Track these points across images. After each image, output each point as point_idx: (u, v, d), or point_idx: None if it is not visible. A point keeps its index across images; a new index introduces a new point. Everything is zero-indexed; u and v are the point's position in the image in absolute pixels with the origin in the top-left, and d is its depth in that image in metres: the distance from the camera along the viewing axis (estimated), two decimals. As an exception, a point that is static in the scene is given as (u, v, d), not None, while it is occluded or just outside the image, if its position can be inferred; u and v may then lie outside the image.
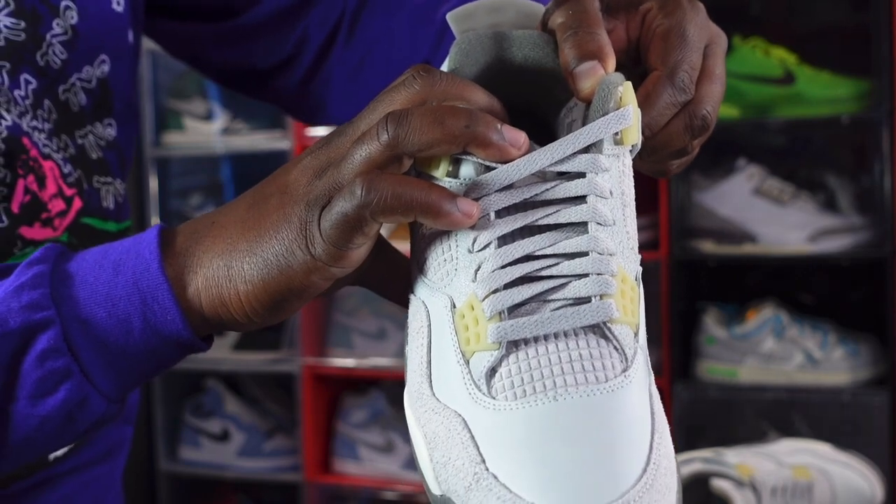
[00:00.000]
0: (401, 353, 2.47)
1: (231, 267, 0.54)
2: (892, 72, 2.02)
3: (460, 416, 0.49)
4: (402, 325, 2.45)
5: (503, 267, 0.50)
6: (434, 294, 0.52)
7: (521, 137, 0.51)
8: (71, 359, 0.55)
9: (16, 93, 0.72)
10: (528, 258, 0.50)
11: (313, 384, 2.53)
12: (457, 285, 0.51)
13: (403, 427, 2.49)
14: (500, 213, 0.51)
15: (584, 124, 0.52)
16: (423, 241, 0.54)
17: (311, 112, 0.94)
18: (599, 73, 0.53)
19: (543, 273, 0.49)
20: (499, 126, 0.51)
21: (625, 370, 0.48)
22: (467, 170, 0.51)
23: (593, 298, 0.49)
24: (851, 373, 2.12)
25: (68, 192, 0.75)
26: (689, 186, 2.21)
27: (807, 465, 1.33)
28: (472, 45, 0.57)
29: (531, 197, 0.50)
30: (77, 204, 0.75)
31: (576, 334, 0.49)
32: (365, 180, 0.50)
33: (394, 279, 0.59)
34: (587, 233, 0.50)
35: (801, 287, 2.32)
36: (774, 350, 2.15)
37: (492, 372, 0.49)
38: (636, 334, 0.51)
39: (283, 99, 0.95)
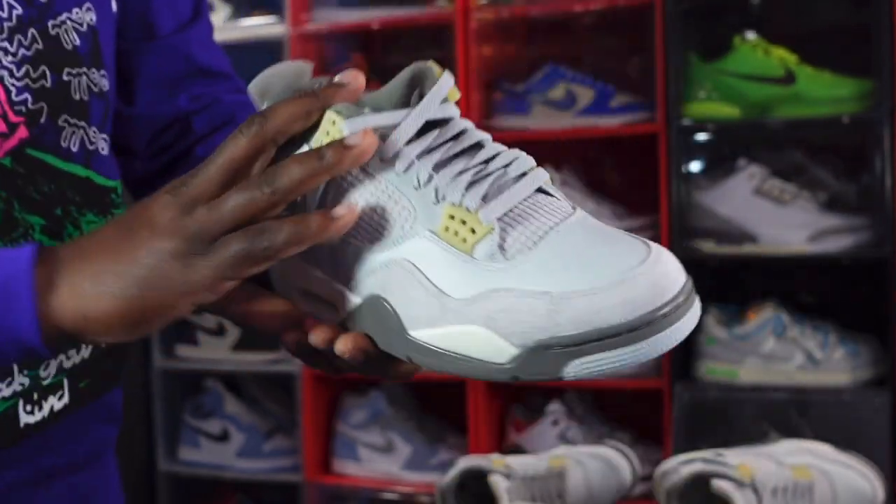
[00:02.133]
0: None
1: (99, 285, 0.61)
2: (893, 71, 2.02)
3: (501, 288, 0.59)
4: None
5: (454, 178, 0.62)
6: (404, 243, 0.63)
7: (363, 136, 0.61)
8: None
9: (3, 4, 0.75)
10: (464, 170, 0.63)
11: (313, 384, 2.53)
12: (425, 218, 0.62)
13: (403, 427, 2.50)
14: (420, 156, 0.63)
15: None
16: (361, 230, 0.65)
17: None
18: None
19: (485, 172, 0.63)
20: (344, 143, 0.61)
21: (574, 208, 0.64)
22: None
23: (528, 172, 0.63)
24: (852, 373, 2.11)
25: (13, 118, 0.76)
26: (690, 186, 2.21)
27: (807, 466, 1.33)
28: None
29: (431, 142, 0.63)
30: (22, 132, 0.76)
31: (535, 199, 0.63)
32: (258, 228, 0.60)
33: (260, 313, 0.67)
34: (488, 144, 0.64)
35: (801, 287, 2.32)
36: (775, 350, 2.15)
37: (501, 247, 0.60)
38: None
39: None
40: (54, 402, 0.80)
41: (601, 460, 1.49)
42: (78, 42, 0.80)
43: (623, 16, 2.39)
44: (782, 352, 2.15)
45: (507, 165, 0.63)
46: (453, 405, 2.44)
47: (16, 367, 0.76)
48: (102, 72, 0.83)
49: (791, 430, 2.04)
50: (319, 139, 0.63)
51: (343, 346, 0.64)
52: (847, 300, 2.28)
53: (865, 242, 2.11)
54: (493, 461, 1.42)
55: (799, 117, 2.16)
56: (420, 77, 0.65)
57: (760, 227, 2.16)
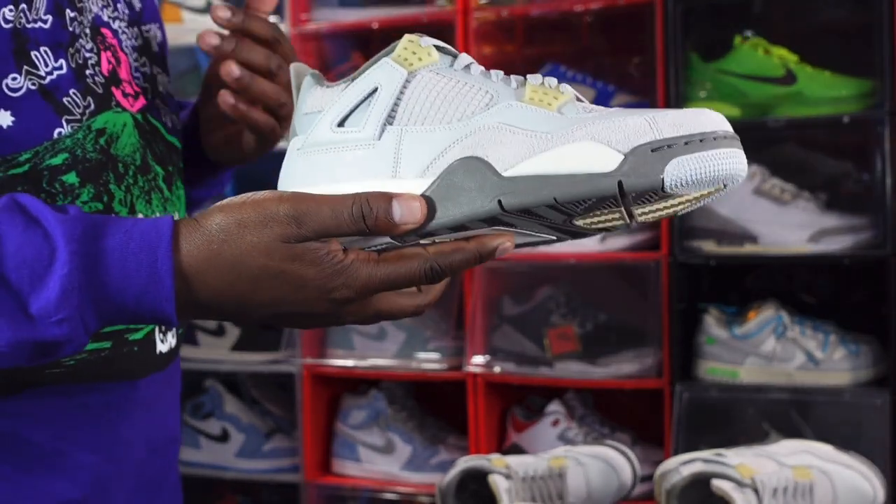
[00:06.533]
0: (400, 354, 2.46)
1: (249, 310, 0.76)
2: (894, 71, 2.01)
3: (597, 120, 0.70)
4: (401, 326, 2.45)
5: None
6: (486, 113, 0.72)
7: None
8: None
9: (118, 4, 0.96)
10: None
11: (313, 384, 2.53)
12: (506, 96, 0.72)
13: (403, 428, 2.48)
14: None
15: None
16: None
17: None
18: None
19: None
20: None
21: None
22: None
23: None
24: (852, 373, 2.11)
25: (136, 87, 0.94)
26: (690, 186, 2.20)
27: (808, 466, 1.33)
28: None
29: None
30: (142, 101, 0.94)
31: None
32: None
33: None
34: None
35: (802, 287, 2.32)
36: (775, 350, 2.15)
37: (583, 108, 0.72)
38: None
39: None
40: (171, 340, 0.95)
41: (601, 460, 1.49)
42: (156, 49, 1.01)
43: (623, 15, 2.39)
44: (783, 352, 2.14)
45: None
46: (453, 405, 2.44)
47: None
48: (168, 78, 1.02)
49: (791, 431, 2.04)
50: (402, 55, 0.74)
51: None
52: (847, 300, 2.28)
53: (866, 242, 2.10)
54: (493, 461, 1.42)
55: (799, 117, 2.16)
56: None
57: (761, 227, 2.16)
